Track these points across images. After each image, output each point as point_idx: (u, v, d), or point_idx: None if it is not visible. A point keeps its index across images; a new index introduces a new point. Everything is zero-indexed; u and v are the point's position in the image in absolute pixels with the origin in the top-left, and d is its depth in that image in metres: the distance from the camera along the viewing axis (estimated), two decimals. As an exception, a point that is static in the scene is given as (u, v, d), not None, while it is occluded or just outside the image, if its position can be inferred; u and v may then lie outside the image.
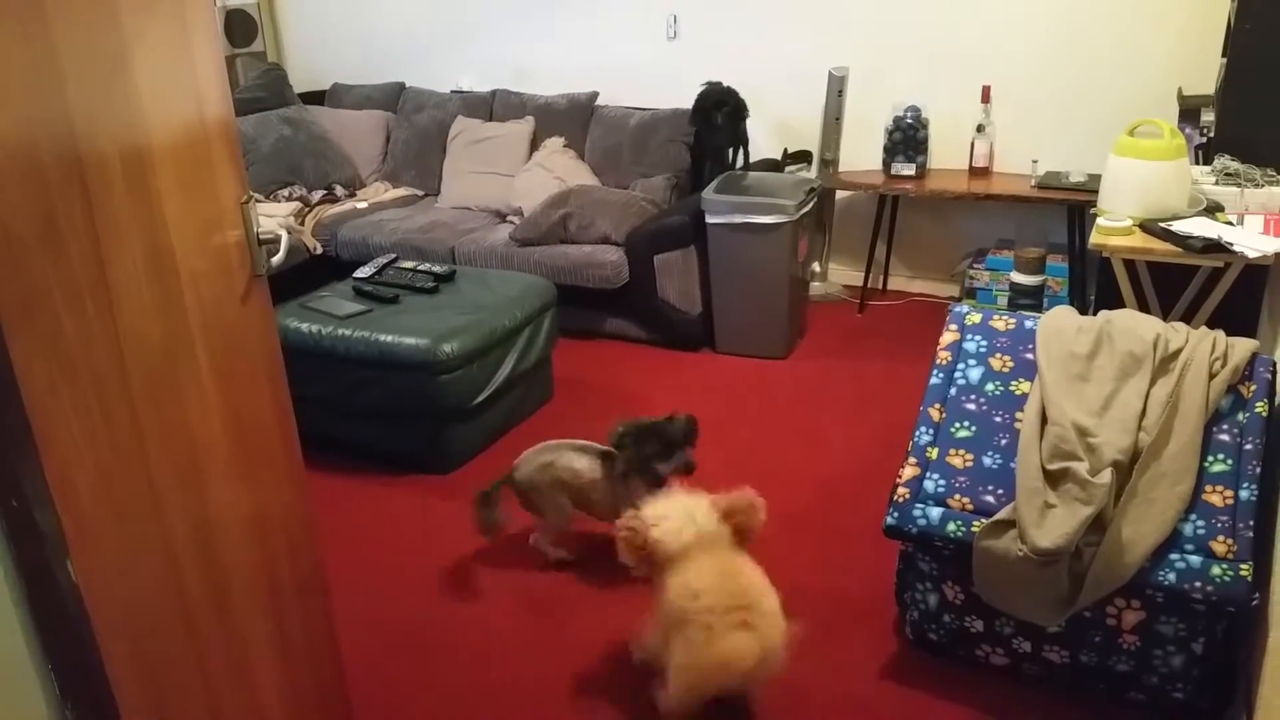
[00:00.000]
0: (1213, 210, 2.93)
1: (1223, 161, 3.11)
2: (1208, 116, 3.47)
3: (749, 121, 4.71)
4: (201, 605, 1.41)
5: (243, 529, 1.51)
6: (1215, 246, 2.67)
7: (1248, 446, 2.13)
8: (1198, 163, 3.37)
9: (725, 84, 4.56)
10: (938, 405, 2.39)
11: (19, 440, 1.05)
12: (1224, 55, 3.32)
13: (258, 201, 1.72)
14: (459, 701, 2.35)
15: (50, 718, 1.14)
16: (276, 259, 1.55)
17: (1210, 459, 2.13)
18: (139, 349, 1.26)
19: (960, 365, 2.43)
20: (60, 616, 1.12)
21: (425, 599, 2.72)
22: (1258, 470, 2.09)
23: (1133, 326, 2.33)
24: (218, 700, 1.47)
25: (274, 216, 4.60)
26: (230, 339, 1.47)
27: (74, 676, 1.15)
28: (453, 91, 5.42)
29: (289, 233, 2.07)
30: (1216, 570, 2.00)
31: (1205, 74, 3.84)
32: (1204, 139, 3.44)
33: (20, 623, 1.09)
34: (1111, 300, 2.95)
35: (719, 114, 4.50)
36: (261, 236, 1.53)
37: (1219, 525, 2.05)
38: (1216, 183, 3.07)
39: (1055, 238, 4.47)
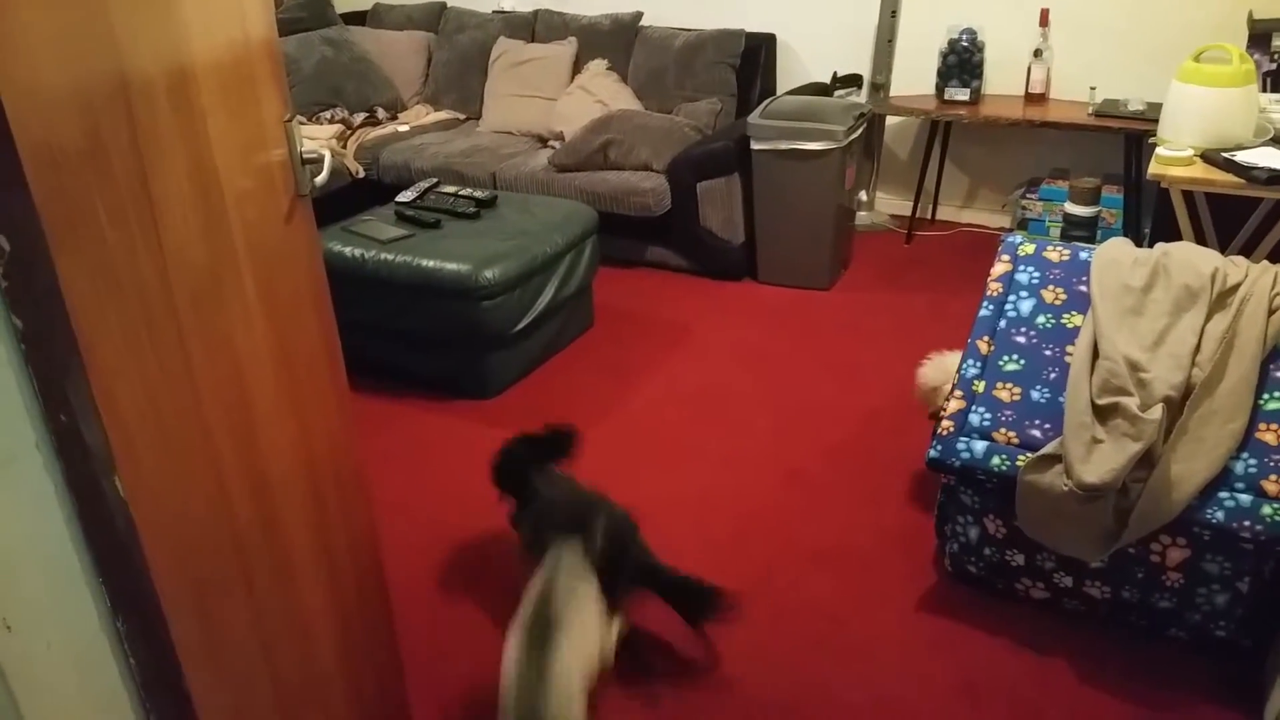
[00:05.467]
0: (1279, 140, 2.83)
1: (1293, 89, 3.00)
2: (1279, 41, 3.33)
3: (797, 45, 4.59)
4: (247, 523, 1.43)
5: (288, 449, 1.53)
6: (1280, 178, 2.58)
7: (1306, 385, 2.08)
8: (1266, 90, 3.24)
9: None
10: (986, 338, 2.35)
11: (66, 353, 1.06)
12: (1300, -24, 3.17)
13: (300, 123, 1.71)
14: (502, 620, 2.39)
15: (103, 629, 1.17)
16: (320, 179, 1.54)
17: (1266, 396, 2.08)
18: (183, 265, 1.26)
19: (1011, 297, 2.38)
20: (109, 532, 1.14)
21: (467, 520, 2.76)
22: (1316, 409, 2.04)
23: (1190, 259, 2.26)
24: (263, 616, 1.50)
25: (316, 139, 4.58)
26: (275, 258, 1.46)
27: (124, 590, 1.17)
28: (494, 12, 5.34)
29: (331, 154, 2.05)
30: (1267, 510, 1.96)
31: (1278, -4, 3.67)
32: (1274, 65, 3.31)
33: (72, 538, 1.12)
34: (1168, 233, 2.87)
35: None
36: (304, 156, 1.52)
37: (1272, 464, 2.00)
38: (1285, 111, 2.95)
39: (1111, 168, 4.35)
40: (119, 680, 1.21)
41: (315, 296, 1.59)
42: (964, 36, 4.28)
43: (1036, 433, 2.17)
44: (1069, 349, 2.26)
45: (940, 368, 2.73)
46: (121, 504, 1.15)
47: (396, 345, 3.46)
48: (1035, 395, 2.22)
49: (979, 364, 2.32)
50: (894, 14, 4.42)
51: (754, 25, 4.75)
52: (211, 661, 1.37)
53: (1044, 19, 4.23)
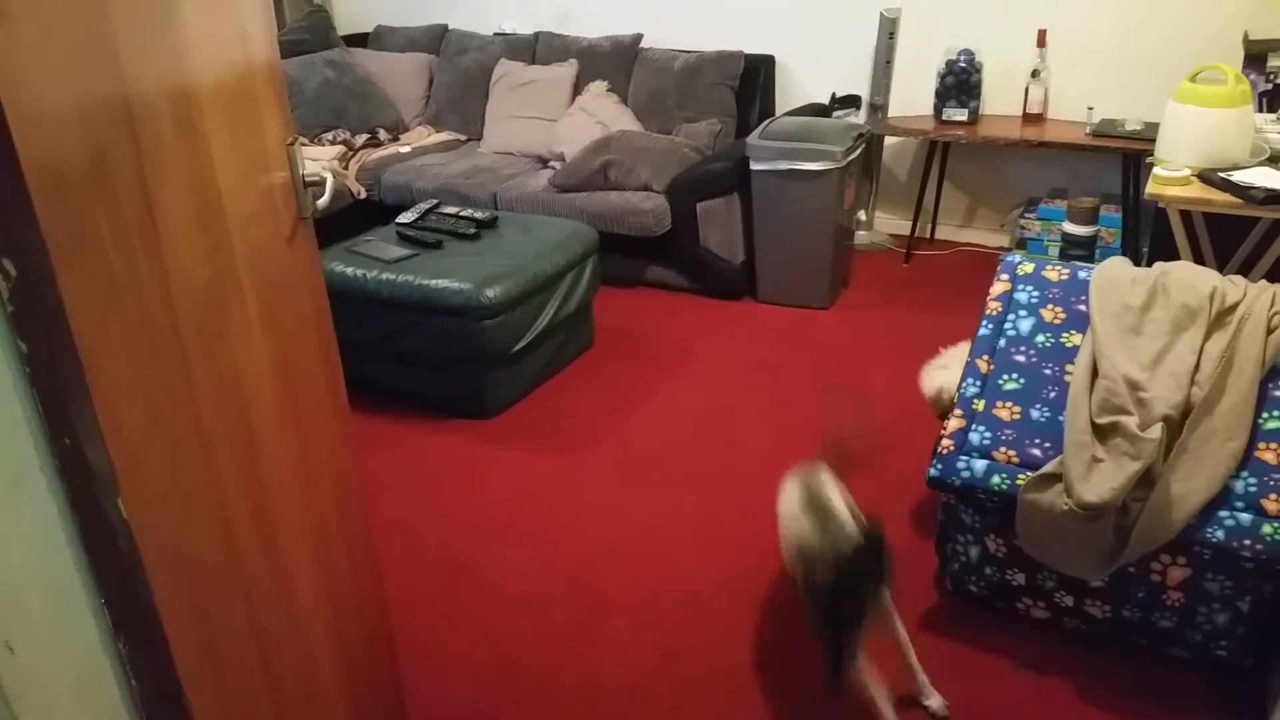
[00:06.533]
0: (1276, 160, 2.84)
1: (1289, 109, 3.01)
2: (1275, 62, 3.35)
3: (795, 66, 4.61)
4: (249, 544, 1.44)
5: (289, 469, 1.53)
6: (1277, 198, 2.59)
7: (1305, 403, 2.08)
8: (1262, 110, 3.26)
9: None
10: (986, 357, 2.36)
11: (70, 375, 1.07)
12: (1294, -3, 3.19)
13: (303, 145, 1.72)
14: (501, 639, 2.38)
15: (105, 650, 1.17)
16: (322, 201, 1.55)
17: (1265, 415, 2.08)
18: (187, 287, 1.26)
19: (1010, 316, 2.39)
20: (112, 553, 1.14)
21: (467, 541, 2.76)
22: (1315, 428, 2.05)
23: (1188, 279, 2.27)
24: (264, 635, 1.50)
25: (318, 160, 4.61)
26: (277, 280, 1.47)
27: (126, 612, 1.17)
28: (495, 34, 5.37)
29: (333, 176, 2.06)
30: (1268, 529, 1.96)
31: (1274, 16, 3.70)
32: (1270, 85, 3.33)
33: (75, 560, 1.12)
34: (1166, 252, 2.88)
35: None
36: (307, 179, 1.53)
37: (1271, 483, 2.00)
38: (1282, 131, 2.97)
39: (1109, 188, 4.37)
40: (120, 701, 1.21)
41: (317, 317, 1.60)
42: (962, 57, 4.31)
43: (1036, 451, 2.17)
44: (1068, 368, 2.26)
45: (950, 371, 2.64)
46: (124, 525, 1.15)
47: (399, 365, 3.46)
48: (1035, 414, 2.23)
49: (978, 383, 2.32)
50: (892, 35, 4.45)
51: (753, 47, 4.78)
52: (212, 682, 1.37)
53: (1041, 40, 4.26)
